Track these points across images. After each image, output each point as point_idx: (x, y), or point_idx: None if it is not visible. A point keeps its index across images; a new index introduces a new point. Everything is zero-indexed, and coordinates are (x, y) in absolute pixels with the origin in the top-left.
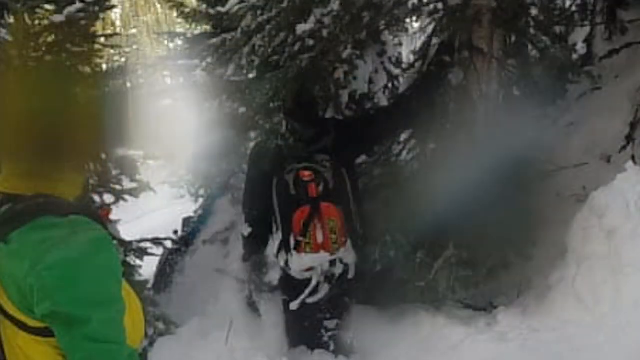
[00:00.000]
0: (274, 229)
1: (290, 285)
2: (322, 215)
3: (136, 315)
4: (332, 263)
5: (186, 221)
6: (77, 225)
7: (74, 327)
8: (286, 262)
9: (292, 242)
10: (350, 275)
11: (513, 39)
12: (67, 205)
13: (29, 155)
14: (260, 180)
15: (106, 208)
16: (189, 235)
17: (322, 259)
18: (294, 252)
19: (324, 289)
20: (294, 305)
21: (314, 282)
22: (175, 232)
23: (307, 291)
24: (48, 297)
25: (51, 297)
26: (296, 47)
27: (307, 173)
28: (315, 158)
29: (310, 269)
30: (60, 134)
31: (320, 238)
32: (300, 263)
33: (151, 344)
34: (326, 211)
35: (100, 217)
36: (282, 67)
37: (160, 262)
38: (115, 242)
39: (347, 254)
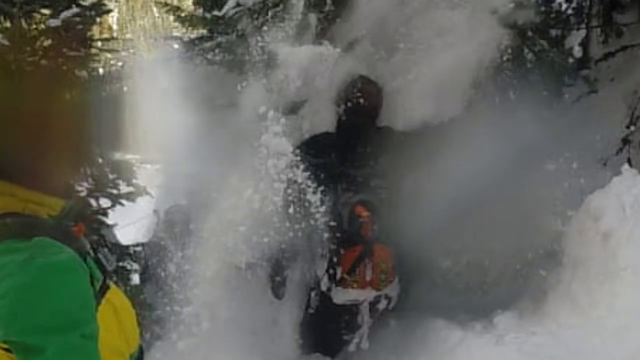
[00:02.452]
0: (317, 251)
1: (329, 308)
2: (374, 257)
3: (129, 326)
4: (377, 298)
5: (168, 212)
6: (38, 249)
7: (29, 356)
8: (328, 289)
9: (338, 276)
10: (391, 306)
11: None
12: (34, 226)
13: None
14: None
15: (80, 224)
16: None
17: (367, 294)
18: (339, 286)
19: (367, 323)
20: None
21: (359, 321)
22: (155, 211)
23: (356, 337)
24: (2, 326)
25: (5, 326)
26: None
27: (364, 213)
28: (370, 184)
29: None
30: (27, 154)
31: (368, 277)
32: (343, 296)
33: (148, 348)
34: (379, 254)
35: (74, 235)
36: None
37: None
38: (85, 261)
39: (393, 289)
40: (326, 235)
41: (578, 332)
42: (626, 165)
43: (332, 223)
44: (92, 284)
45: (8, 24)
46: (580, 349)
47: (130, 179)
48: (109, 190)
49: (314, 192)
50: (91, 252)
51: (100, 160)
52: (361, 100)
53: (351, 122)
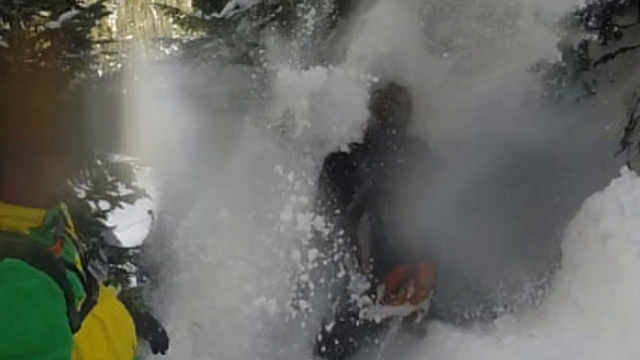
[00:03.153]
0: (353, 265)
1: (360, 323)
2: (420, 276)
3: (121, 340)
4: (414, 313)
5: (160, 216)
6: (6, 272)
7: None
8: (364, 306)
9: (380, 295)
10: (420, 319)
11: None
12: (7, 247)
13: None
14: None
15: (58, 243)
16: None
17: (405, 310)
18: (378, 305)
19: (393, 336)
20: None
21: (392, 331)
22: (150, 212)
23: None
24: None
25: None
26: None
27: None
28: (407, 200)
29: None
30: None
31: (410, 293)
32: (381, 313)
33: (147, 351)
34: (425, 273)
35: (50, 254)
36: None
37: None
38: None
39: (427, 303)
40: (366, 253)
41: (577, 335)
42: (625, 167)
43: (375, 242)
44: (72, 303)
45: (7, 26)
46: (579, 351)
47: (129, 181)
48: (108, 192)
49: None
50: (79, 264)
51: (99, 163)
52: (391, 109)
53: (380, 132)
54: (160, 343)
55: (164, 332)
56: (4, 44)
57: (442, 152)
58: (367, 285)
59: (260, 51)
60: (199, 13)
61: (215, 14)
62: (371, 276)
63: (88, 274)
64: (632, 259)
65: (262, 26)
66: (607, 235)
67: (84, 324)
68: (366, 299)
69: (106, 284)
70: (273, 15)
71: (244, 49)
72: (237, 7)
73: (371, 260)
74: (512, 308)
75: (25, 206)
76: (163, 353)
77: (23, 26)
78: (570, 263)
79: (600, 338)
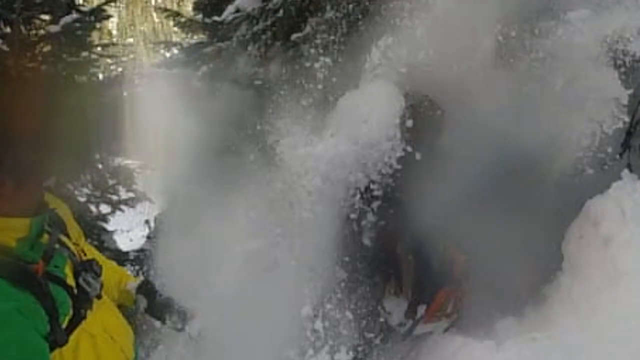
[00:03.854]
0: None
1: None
2: (462, 296)
3: (112, 352)
4: (447, 329)
5: (157, 219)
6: None
7: None
8: (401, 324)
9: (422, 314)
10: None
11: None
12: None
13: None
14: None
15: (41, 262)
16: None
17: (443, 325)
18: (421, 324)
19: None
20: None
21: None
22: (147, 221)
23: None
24: None
25: None
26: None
27: (461, 257)
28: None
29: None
30: None
31: (449, 309)
32: (422, 328)
33: (148, 354)
34: (464, 292)
35: (33, 273)
36: None
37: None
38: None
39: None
40: (408, 278)
41: (578, 338)
42: (626, 170)
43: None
44: (57, 319)
45: (8, 30)
46: (581, 354)
47: (130, 185)
48: (109, 196)
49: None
50: (70, 278)
51: (100, 166)
52: (425, 124)
53: (413, 152)
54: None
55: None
56: (5, 48)
57: (470, 167)
58: (407, 305)
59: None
60: (200, 16)
61: (215, 18)
62: (412, 297)
63: (79, 287)
64: (632, 262)
65: (264, 31)
66: (608, 238)
67: (72, 338)
68: (404, 317)
69: (99, 297)
70: (274, 19)
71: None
72: (237, 10)
73: (414, 283)
74: (513, 311)
75: (11, 216)
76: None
77: (24, 30)
78: (572, 266)
79: (601, 341)
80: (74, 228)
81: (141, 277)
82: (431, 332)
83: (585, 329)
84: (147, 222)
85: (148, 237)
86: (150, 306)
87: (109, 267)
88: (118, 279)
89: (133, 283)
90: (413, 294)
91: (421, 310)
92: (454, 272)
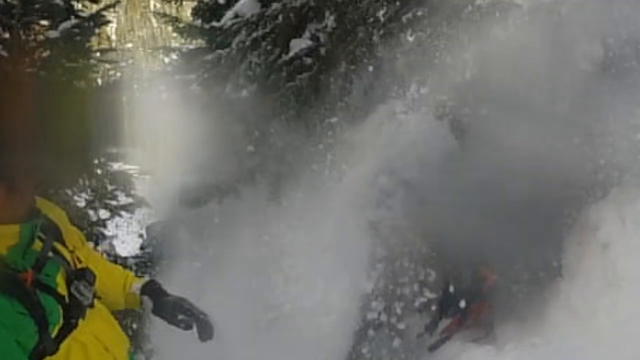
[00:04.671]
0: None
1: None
2: (489, 310)
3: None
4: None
5: (149, 229)
6: None
7: None
8: (420, 335)
9: (455, 327)
10: None
11: None
12: None
13: None
14: None
15: (30, 270)
16: (152, 246)
17: (478, 332)
18: (453, 334)
19: None
20: None
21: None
22: (140, 235)
23: None
24: None
25: None
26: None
27: (492, 276)
28: None
29: None
30: None
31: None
32: (465, 336)
33: (148, 359)
34: (490, 304)
35: (22, 283)
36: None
37: None
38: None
39: None
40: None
41: (577, 342)
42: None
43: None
44: (46, 329)
45: (7, 35)
46: (580, 358)
47: (129, 190)
48: (108, 201)
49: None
50: (61, 287)
51: (98, 172)
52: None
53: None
54: (204, 330)
55: (205, 321)
56: (4, 53)
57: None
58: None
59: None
60: (198, 22)
61: (214, 23)
62: (437, 311)
63: (71, 296)
64: (631, 267)
65: (264, 37)
66: (607, 243)
67: (62, 347)
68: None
69: (91, 305)
70: (273, 25)
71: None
72: (236, 16)
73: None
74: (513, 316)
75: (0, 223)
76: (210, 339)
77: (23, 35)
78: (571, 271)
79: (600, 345)
80: (71, 233)
81: (146, 278)
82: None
83: (584, 333)
84: (140, 235)
85: (141, 248)
86: (156, 307)
87: (113, 272)
88: (123, 282)
89: (137, 284)
90: (438, 309)
91: (442, 324)
92: (483, 289)
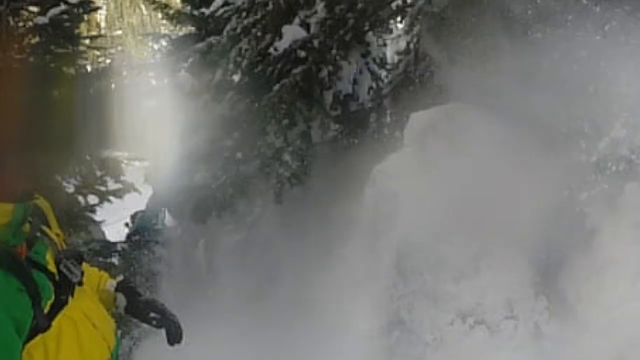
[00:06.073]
0: None
1: None
2: None
3: (93, 339)
4: None
5: (133, 217)
6: None
7: None
8: None
9: None
10: None
11: None
12: None
13: None
14: None
15: (24, 245)
16: (137, 232)
17: None
18: None
19: None
20: None
21: None
22: (127, 224)
23: None
24: None
25: None
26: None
27: None
28: None
29: None
30: None
31: None
32: None
33: (136, 344)
34: None
35: (16, 256)
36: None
37: None
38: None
39: None
40: None
41: (564, 327)
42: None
43: None
44: (39, 304)
45: None
46: (568, 342)
47: (118, 176)
48: (97, 187)
49: None
50: (51, 265)
51: (87, 158)
52: None
53: None
54: (172, 333)
55: (175, 323)
56: None
57: None
58: None
59: None
60: (188, 9)
61: (204, 9)
62: None
63: (61, 273)
64: (618, 252)
65: (254, 24)
66: (594, 229)
67: (54, 324)
68: None
69: (80, 283)
70: (264, 12)
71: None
72: (226, 3)
73: None
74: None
75: None
76: (178, 343)
77: (11, 22)
78: (558, 257)
79: (588, 330)
80: (54, 221)
81: (120, 277)
82: None
83: (571, 317)
84: (126, 224)
85: (128, 236)
86: (130, 305)
87: (88, 269)
88: (97, 281)
89: (112, 282)
90: None
91: None
92: None
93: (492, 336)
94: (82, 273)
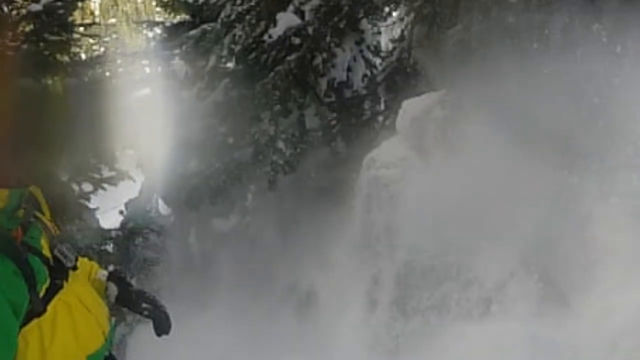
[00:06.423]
0: None
1: None
2: None
3: (87, 323)
4: None
5: (127, 205)
6: None
7: None
8: None
9: None
10: None
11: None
12: None
13: None
14: None
15: (19, 228)
16: (131, 220)
17: None
18: None
19: None
20: None
21: None
22: (121, 212)
23: None
24: None
25: None
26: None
27: None
28: None
29: None
30: None
31: None
32: None
33: (131, 330)
34: None
35: (11, 239)
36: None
37: None
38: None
39: None
40: None
41: (557, 317)
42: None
43: None
44: (35, 287)
45: None
46: (560, 330)
47: (113, 164)
48: (91, 174)
49: None
50: (45, 249)
51: (81, 146)
52: None
53: None
54: (160, 325)
55: (165, 314)
56: None
57: None
58: None
59: None
60: None
61: None
62: None
63: (55, 258)
64: (612, 242)
65: (249, 11)
66: (587, 216)
67: (49, 307)
68: None
69: (74, 268)
70: None
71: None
72: None
73: None
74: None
75: None
76: (166, 333)
77: (5, 9)
78: (550, 245)
79: (580, 318)
80: (46, 209)
81: (111, 267)
82: None
83: (564, 307)
84: (121, 212)
85: (123, 224)
86: (121, 294)
87: (80, 261)
88: (88, 270)
89: (103, 272)
90: None
91: None
92: None
93: (483, 324)
94: (77, 258)
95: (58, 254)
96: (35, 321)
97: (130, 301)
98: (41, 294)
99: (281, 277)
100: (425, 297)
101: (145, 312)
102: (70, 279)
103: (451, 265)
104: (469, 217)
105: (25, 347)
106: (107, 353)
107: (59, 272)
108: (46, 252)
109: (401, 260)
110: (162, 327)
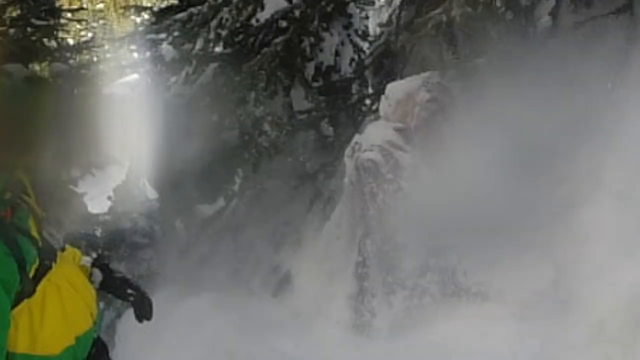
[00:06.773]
0: None
1: None
2: None
3: (75, 305)
4: None
5: (115, 190)
6: None
7: None
8: None
9: None
10: None
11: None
12: None
13: None
14: None
15: (9, 208)
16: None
17: None
18: None
19: None
20: None
21: None
22: (109, 197)
23: None
24: None
25: None
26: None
27: None
28: None
29: None
30: None
31: None
32: None
33: (119, 315)
34: None
35: (1, 220)
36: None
37: None
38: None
39: None
40: None
41: (545, 300)
42: None
43: None
44: (24, 268)
45: None
46: (547, 313)
47: (100, 148)
48: (78, 159)
49: None
50: (34, 230)
51: (69, 132)
52: None
53: None
54: (143, 310)
55: (148, 300)
56: None
57: None
58: None
59: None
60: None
61: None
62: None
63: (43, 239)
64: (598, 222)
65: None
66: (572, 198)
67: (38, 290)
68: None
69: (62, 249)
70: None
71: None
72: None
73: None
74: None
75: None
76: (148, 319)
77: None
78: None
79: (568, 303)
80: (33, 196)
81: (94, 254)
82: None
83: (551, 291)
84: (109, 198)
85: (111, 208)
86: (105, 280)
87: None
88: (72, 255)
89: (87, 258)
90: None
91: None
92: None
93: (470, 309)
94: (65, 239)
95: (46, 235)
96: (25, 302)
97: (116, 287)
98: (31, 275)
99: (266, 261)
100: (411, 280)
101: (131, 298)
102: (58, 261)
103: (438, 248)
104: (455, 200)
105: (15, 331)
106: (95, 335)
107: (48, 253)
108: (34, 233)
109: (387, 242)
110: (144, 312)
